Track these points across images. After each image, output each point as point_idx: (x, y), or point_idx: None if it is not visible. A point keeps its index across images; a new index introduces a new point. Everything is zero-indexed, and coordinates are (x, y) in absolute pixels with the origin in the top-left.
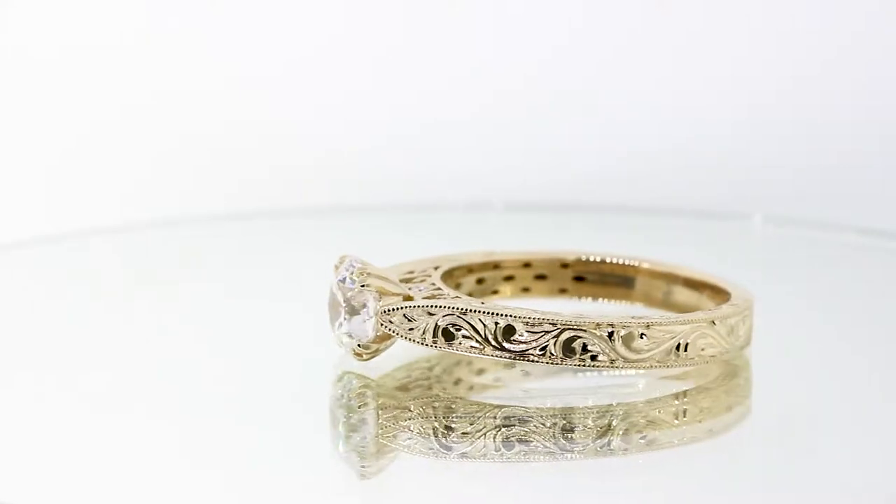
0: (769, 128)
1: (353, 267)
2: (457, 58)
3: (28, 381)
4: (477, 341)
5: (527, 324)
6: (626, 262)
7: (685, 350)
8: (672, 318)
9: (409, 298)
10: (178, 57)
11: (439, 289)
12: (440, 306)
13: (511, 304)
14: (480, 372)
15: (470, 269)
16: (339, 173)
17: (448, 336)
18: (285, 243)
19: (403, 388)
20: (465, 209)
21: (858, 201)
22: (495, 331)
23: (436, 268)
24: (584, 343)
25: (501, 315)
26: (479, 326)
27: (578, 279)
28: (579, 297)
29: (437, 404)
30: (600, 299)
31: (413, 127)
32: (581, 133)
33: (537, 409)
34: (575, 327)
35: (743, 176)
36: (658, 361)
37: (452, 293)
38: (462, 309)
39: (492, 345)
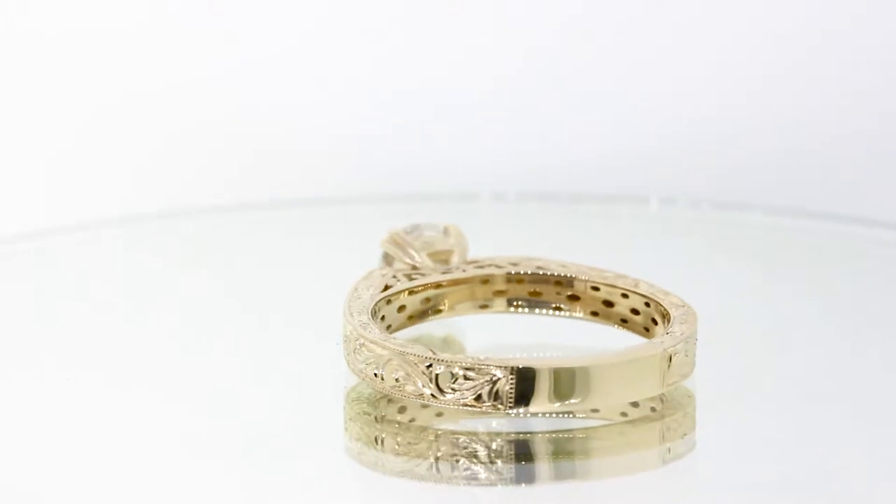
0: (767, 121)
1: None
2: (456, 51)
3: (27, 377)
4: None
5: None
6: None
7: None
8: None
9: (414, 268)
10: (181, 47)
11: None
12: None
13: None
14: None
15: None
16: (341, 167)
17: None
18: (285, 237)
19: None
20: (452, 199)
21: (858, 194)
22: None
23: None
24: None
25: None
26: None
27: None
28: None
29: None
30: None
31: (409, 119)
32: (577, 125)
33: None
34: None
35: (739, 168)
36: None
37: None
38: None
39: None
